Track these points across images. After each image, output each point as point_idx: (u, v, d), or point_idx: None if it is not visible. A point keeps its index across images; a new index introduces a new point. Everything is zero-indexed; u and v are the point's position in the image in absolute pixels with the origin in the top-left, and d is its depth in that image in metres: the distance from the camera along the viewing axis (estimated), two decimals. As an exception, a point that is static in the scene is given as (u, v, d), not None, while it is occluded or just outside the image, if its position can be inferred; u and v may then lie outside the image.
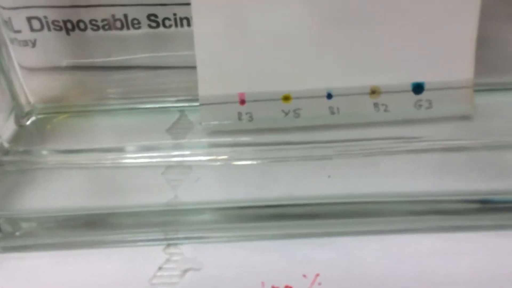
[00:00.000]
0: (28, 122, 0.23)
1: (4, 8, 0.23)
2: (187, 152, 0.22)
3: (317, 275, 0.17)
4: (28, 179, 0.20)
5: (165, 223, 0.19)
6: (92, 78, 0.25)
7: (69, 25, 0.24)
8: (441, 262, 0.17)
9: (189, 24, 0.24)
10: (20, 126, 0.23)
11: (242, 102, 0.22)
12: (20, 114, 0.23)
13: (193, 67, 0.24)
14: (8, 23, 0.23)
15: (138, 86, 0.25)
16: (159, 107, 0.24)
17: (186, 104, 0.24)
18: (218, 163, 0.21)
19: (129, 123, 0.23)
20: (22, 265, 0.17)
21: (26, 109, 0.23)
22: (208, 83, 0.22)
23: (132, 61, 0.25)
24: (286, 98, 0.22)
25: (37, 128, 0.23)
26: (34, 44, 0.25)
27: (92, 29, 0.25)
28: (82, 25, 0.24)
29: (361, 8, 0.20)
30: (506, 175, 0.20)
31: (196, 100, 0.23)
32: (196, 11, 0.21)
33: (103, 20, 0.24)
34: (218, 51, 0.21)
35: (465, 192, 0.19)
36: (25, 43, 0.24)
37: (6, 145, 0.22)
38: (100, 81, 0.25)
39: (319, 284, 0.17)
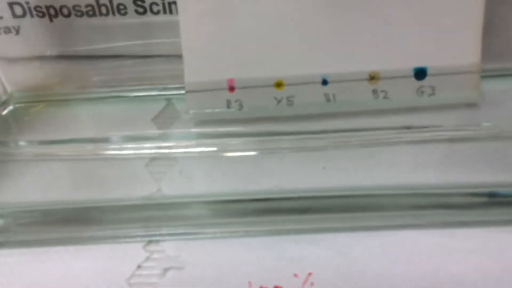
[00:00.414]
0: (5, 112, 0.22)
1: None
2: (173, 143, 0.20)
3: (310, 274, 0.15)
4: (3, 171, 0.19)
5: (146, 218, 0.17)
6: (75, 65, 0.24)
7: (52, 11, 0.23)
8: (445, 261, 0.16)
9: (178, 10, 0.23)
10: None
11: (231, 89, 0.20)
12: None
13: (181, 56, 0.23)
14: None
15: (124, 74, 0.24)
16: (145, 95, 0.23)
17: (174, 92, 0.23)
18: (205, 154, 0.20)
19: (113, 112, 0.22)
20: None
21: (3, 98, 0.22)
22: (195, 69, 0.20)
23: (118, 49, 0.24)
24: (279, 84, 0.20)
25: (15, 117, 0.22)
26: (17, 31, 0.24)
27: (76, 15, 0.23)
28: (65, 11, 0.23)
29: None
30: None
31: (183, 88, 0.22)
32: (181, -7, 0.19)
33: (87, 6, 0.23)
34: (205, 34, 0.20)
35: (471, 185, 0.18)
36: (7, 29, 0.23)
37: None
38: (84, 69, 0.24)
39: (312, 284, 0.15)
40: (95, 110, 0.22)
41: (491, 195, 0.18)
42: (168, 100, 0.23)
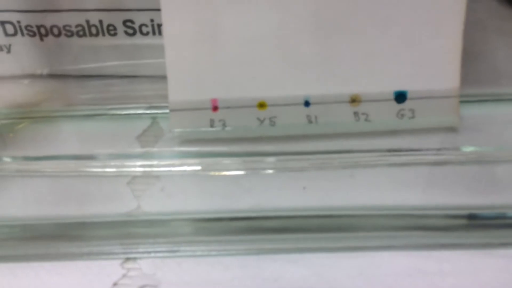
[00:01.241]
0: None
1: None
2: (155, 162, 0.20)
3: (284, 295, 0.15)
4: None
5: (125, 235, 0.17)
6: (64, 84, 0.24)
7: (42, 31, 0.24)
8: (421, 284, 0.16)
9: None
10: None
11: (215, 108, 0.21)
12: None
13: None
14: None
15: (111, 93, 0.24)
16: (131, 114, 0.23)
17: (160, 111, 0.23)
18: (188, 172, 0.20)
19: (99, 130, 0.22)
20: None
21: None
22: (179, 88, 0.20)
23: (106, 68, 0.24)
24: (261, 105, 0.21)
25: (0, 134, 0.22)
26: (9, 49, 0.24)
27: (66, 35, 0.24)
28: (56, 31, 0.24)
29: (341, 13, 0.19)
30: (494, 189, 0.19)
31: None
32: (167, 13, 0.20)
33: (77, 26, 0.23)
34: (189, 54, 0.20)
35: (449, 207, 0.18)
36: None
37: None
38: (72, 87, 0.24)
39: (286, 304, 0.15)
40: (80, 127, 0.23)
41: (469, 217, 0.18)
42: (154, 118, 0.23)
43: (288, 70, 0.20)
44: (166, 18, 0.20)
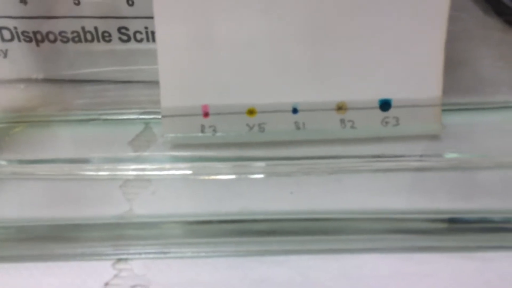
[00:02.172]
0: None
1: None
2: (147, 166, 0.21)
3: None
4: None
5: (117, 237, 0.18)
6: (59, 89, 0.25)
7: (38, 37, 0.24)
8: (401, 284, 0.17)
9: None
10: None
11: (206, 114, 0.21)
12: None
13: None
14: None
15: (105, 98, 0.25)
16: (123, 119, 0.24)
17: (152, 117, 0.24)
18: (179, 176, 0.21)
19: (92, 134, 0.23)
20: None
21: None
22: (171, 94, 0.21)
23: (101, 74, 0.25)
24: (251, 111, 0.21)
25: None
26: (5, 54, 0.25)
27: (62, 41, 0.24)
28: (52, 37, 0.24)
29: (329, 24, 0.20)
30: (474, 195, 0.20)
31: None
32: (159, 20, 0.20)
33: (73, 32, 0.24)
34: (181, 61, 0.21)
35: (430, 211, 0.19)
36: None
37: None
38: (67, 92, 0.25)
39: (272, 303, 0.16)
40: (74, 132, 0.23)
41: (449, 221, 0.19)
42: (146, 124, 0.23)
43: (277, 78, 0.21)
44: (159, 25, 0.20)
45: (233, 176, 0.20)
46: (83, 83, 0.25)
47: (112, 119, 0.24)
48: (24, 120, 0.24)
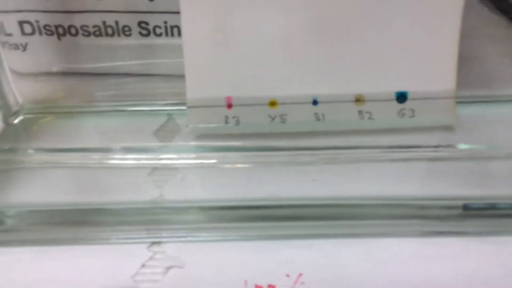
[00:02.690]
0: (16, 121, 0.23)
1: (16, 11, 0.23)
2: (174, 155, 0.22)
3: (300, 274, 0.17)
4: (13, 177, 0.20)
5: (149, 221, 0.19)
6: (81, 81, 0.26)
7: (60, 30, 0.25)
8: (421, 266, 0.18)
9: (180, 33, 0.24)
10: (8, 124, 0.23)
11: (229, 106, 0.22)
12: (8, 113, 0.23)
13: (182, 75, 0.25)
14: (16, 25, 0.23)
15: (127, 91, 0.26)
16: (147, 110, 0.25)
17: (174, 108, 0.24)
18: (204, 165, 0.21)
19: (117, 125, 0.23)
20: (2, 260, 0.17)
21: (14, 108, 0.23)
22: (196, 86, 0.22)
23: (122, 67, 0.26)
24: (273, 103, 0.22)
25: (24, 127, 0.23)
26: (25, 47, 0.25)
27: (83, 34, 0.25)
28: (73, 31, 0.25)
29: (348, 18, 0.21)
30: (486, 183, 0.21)
31: (184, 104, 0.24)
32: (185, 15, 0.21)
33: (94, 26, 0.25)
34: (206, 54, 0.21)
35: (445, 197, 0.20)
36: (16, 46, 0.24)
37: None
38: (89, 85, 0.26)
39: (302, 283, 0.17)
40: (99, 122, 0.24)
41: (463, 207, 0.20)
42: (169, 115, 0.24)
43: (298, 71, 0.22)
44: (185, 20, 0.21)
45: (257, 165, 0.21)
46: (103, 76, 0.26)
47: (135, 111, 0.24)
48: (49, 111, 0.24)
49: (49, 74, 0.26)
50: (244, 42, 0.21)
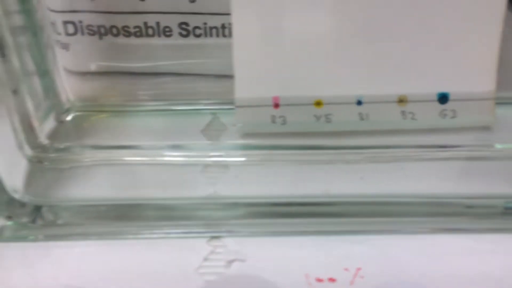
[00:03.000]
0: (68, 118, 0.24)
1: (52, 10, 0.23)
2: (223, 152, 0.22)
3: (358, 269, 0.18)
4: (68, 175, 0.21)
5: (206, 217, 0.19)
6: (124, 80, 0.26)
7: (102, 30, 0.25)
8: (474, 261, 0.18)
9: (218, 34, 0.25)
10: (60, 122, 0.23)
11: (276, 105, 0.23)
12: (60, 111, 0.24)
13: (221, 75, 0.25)
14: (53, 25, 0.24)
15: (169, 90, 0.26)
16: (190, 109, 0.25)
17: (217, 107, 0.25)
18: (254, 163, 0.22)
19: (164, 123, 0.24)
20: (71, 253, 0.18)
21: (66, 106, 0.24)
22: (245, 86, 0.22)
23: (161, 67, 0.26)
24: (318, 103, 0.23)
25: (76, 124, 0.24)
26: (68, 47, 0.26)
27: (124, 35, 0.26)
28: (115, 31, 0.25)
29: (392, 21, 0.22)
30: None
31: (226, 103, 0.25)
32: (237, 16, 0.22)
33: (135, 27, 0.25)
34: (255, 55, 0.22)
35: (488, 195, 0.21)
36: (64, 45, 0.25)
37: (45, 141, 0.22)
38: (133, 84, 0.26)
39: (362, 277, 0.17)
40: (146, 121, 0.25)
41: (506, 207, 0.21)
42: (213, 114, 0.25)
43: (343, 72, 0.22)
44: (236, 22, 0.22)
45: (304, 163, 0.22)
46: (142, 75, 0.26)
47: (179, 110, 0.25)
48: (98, 109, 0.25)
49: (89, 73, 0.26)
50: (292, 43, 0.22)
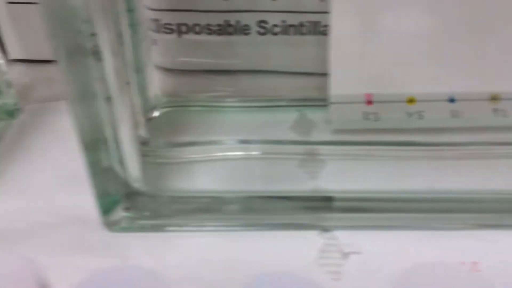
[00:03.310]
0: (155, 114, 0.24)
1: (148, 8, 0.24)
2: (317, 147, 0.23)
3: (475, 263, 0.18)
4: (171, 168, 0.21)
5: (315, 209, 0.20)
6: (207, 78, 0.27)
7: (183, 28, 0.26)
8: None
9: (295, 32, 0.25)
10: (148, 118, 0.24)
11: (369, 102, 0.23)
12: (148, 107, 0.24)
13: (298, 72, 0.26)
14: (150, 22, 0.24)
15: (246, 87, 0.27)
16: (274, 106, 0.26)
17: (302, 104, 0.25)
18: (348, 157, 0.22)
19: (252, 120, 0.24)
20: (194, 243, 0.18)
21: (153, 102, 0.24)
22: (339, 83, 0.23)
23: (239, 64, 0.27)
24: (411, 100, 0.23)
25: (165, 121, 0.24)
26: (156, 43, 0.26)
27: (206, 32, 0.26)
28: (197, 29, 0.26)
29: (485, 19, 0.22)
30: None
31: (309, 100, 0.25)
32: (336, 14, 0.22)
33: (216, 25, 0.26)
34: (351, 53, 0.22)
35: None
36: (154, 42, 0.26)
37: (146, 136, 0.22)
38: (214, 81, 0.27)
39: (478, 270, 0.18)
40: (231, 117, 0.25)
41: None
42: (299, 111, 0.25)
43: (435, 69, 0.23)
44: (335, 20, 0.22)
45: (398, 159, 0.22)
46: (223, 72, 0.27)
47: (264, 106, 0.25)
48: (183, 104, 0.25)
49: (172, 70, 0.27)
50: (388, 41, 0.22)
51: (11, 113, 0.25)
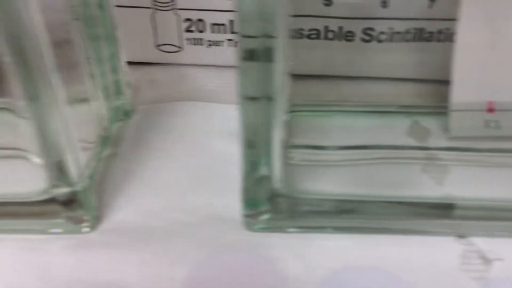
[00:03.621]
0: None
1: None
2: (439, 153, 0.23)
3: None
4: (303, 170, 0.22)
5: (447, 215, 0.20)
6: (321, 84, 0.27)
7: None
8: None
9: (403, 39, 0.26)
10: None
11: (491, 110, 0.23)
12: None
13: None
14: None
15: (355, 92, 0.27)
16: (384, 112, 0.26)
17: (413, 111, 0.25)
18: (472, 164, 0.22)
19: (368, 125, 0.25)
20: (327, 245, 0.19)
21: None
22: (461, 91, 0.23)
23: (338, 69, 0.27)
24: (533, 109, 0.23)
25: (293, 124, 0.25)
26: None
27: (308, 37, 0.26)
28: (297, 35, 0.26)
29: None
30: None
31: (419, 107, 0.25)
32: (463, 23, 0.22)
33: (311, 30, 0.26)
34: (474, 61, 0.23)
35: None
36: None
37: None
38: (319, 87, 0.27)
39: None
40: (350, 122, 0.25)
41: None
42: (410, 117, 0.25)
43: (560, 78, 0.23)
44: (462, 28, 0.22)
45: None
46: (321, 78, 0.27)
47: (377, 111, 0.26)
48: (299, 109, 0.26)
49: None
50: (510, 48, 0.22)
51: (128, 114, 0.26)
